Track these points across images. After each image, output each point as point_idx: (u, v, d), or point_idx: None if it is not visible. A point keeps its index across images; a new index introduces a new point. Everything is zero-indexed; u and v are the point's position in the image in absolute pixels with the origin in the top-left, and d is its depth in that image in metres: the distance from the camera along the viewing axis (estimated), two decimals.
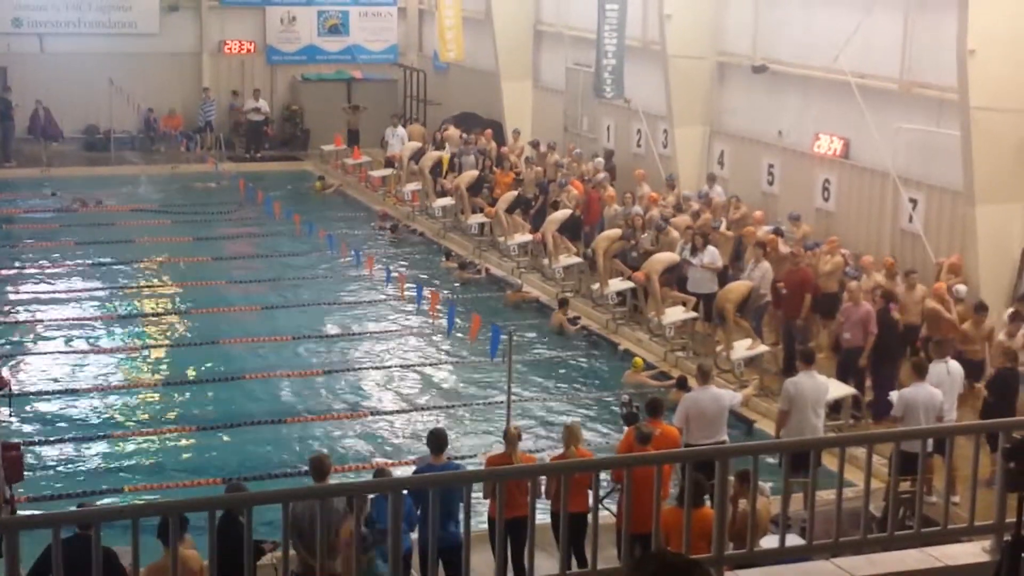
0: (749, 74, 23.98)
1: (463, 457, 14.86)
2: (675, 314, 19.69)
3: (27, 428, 16.35)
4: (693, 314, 19.66)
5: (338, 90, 37.38)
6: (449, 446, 12.24)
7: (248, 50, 37.52)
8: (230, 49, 37.38)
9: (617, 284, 21.22)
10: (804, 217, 21.32)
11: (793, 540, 9.12)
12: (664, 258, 19.97)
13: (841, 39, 20.91)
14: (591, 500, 9.78)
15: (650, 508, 8.63)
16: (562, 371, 19.29)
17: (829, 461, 10.60)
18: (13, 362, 18.93)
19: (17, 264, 24.97)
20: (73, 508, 12.12)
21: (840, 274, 18.48)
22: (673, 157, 25.77)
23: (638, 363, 18.68)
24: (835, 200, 21.89)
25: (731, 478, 9.74)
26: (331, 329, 21.23)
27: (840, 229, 21.04)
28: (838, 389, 15.62)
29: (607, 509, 10.89)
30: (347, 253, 23.82)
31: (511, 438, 12.06)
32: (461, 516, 8.65)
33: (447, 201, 27.92)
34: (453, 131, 31.85)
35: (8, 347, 19.86)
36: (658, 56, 25.68)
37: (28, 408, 17.09)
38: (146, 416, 17.14)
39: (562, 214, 23.54)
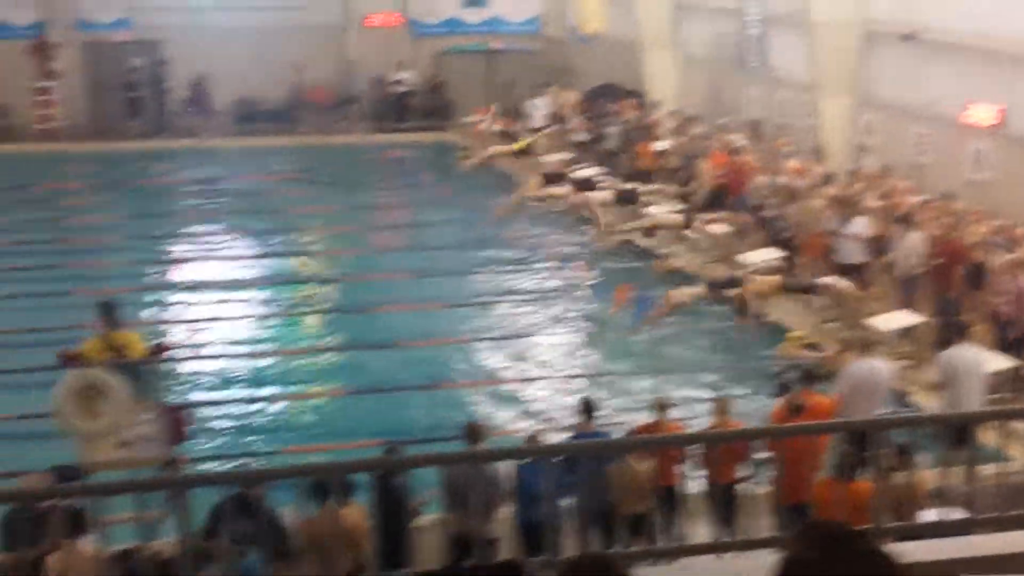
0: (897, 42, 23.54)
1: (610, 425, 14.95)
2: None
3: (189, 391, 16.89)
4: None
5: (480, 62, 37.67)
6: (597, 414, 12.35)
7: (392, 23, 37.96)
8: (374, 22, 37.85)
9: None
10: (954, 189, 20.89)
11: (952, 515, 9.05)
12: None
13: (994, 4, 20.40)
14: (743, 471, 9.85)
15: (804, 479, 8.66)
16: (710, 342, 19.21)
17: (988, 437, 10.45)
18: (175, 327, 19.57)
19: (176, 232, 25.75)
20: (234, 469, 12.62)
21: (987, 245, 18.10)
22: (819, 128, 25.45)
23: (794, 335, 18.48)
24: (988, 170, 21.42)
25: (887, 450, 9.69)
26: (481, 297, 21.46)
27: (992, 200, 20.58)
28: (996, 362, 15.34)
29: (756, 481, 10.88)
30: (493, 222, 24.06)
31: (661, 407, 12.13)
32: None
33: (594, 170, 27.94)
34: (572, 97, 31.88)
35: (171, 312, 20.56)
36: (803, 24, 25.34)
37: (190, 372, 17.68)
38: (303, 380, 17.57)
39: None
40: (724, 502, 9.91)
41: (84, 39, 35.72)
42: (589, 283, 19.42)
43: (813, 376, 12.92)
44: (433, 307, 20.63)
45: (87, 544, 9.64)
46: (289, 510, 10.66)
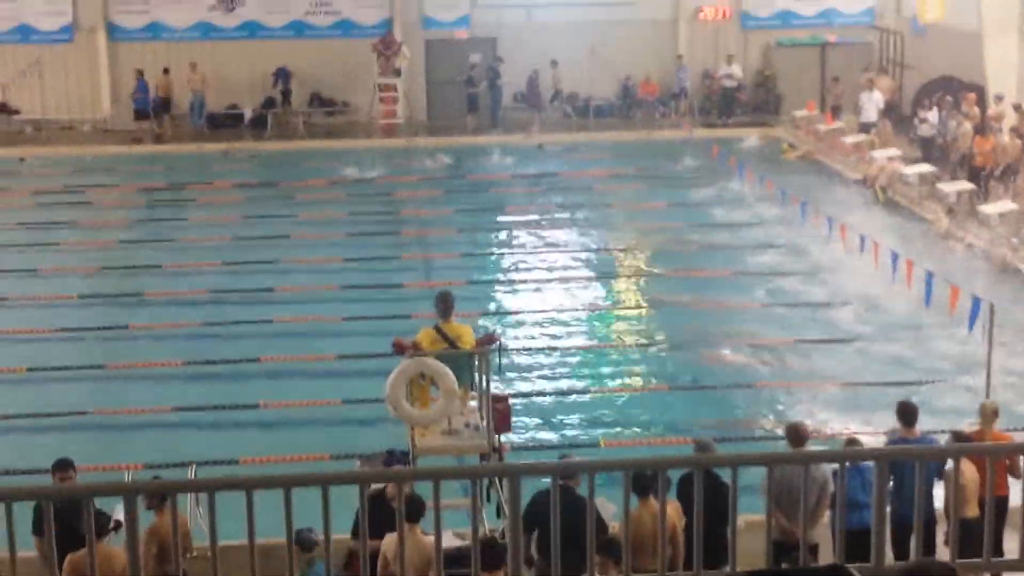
0: None
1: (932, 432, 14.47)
2: None
3: (514, 381, 17.36)
4: None
5: (812, 55, 36.97)
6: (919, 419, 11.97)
7: (723, 15, 37.72)
8: (705, 16, 37.69)
9: None
10: None
11: None
12: None
13: None
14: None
15: None
16: None
17: None
18: (503, 318, 20.16)
19: (505, 226, 26.46)
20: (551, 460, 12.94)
21: None
22: None
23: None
24: None
25: None
26: (810, 296, 21.08)
27: None
28: None
29: None
30: (820, 220, 23.59)
31: (987, 413, 11.65)
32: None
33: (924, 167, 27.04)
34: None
35: (499, 304, 21.21)
36: None
37: (515, 362, 18.15)
38: (625, 373, 17.75)
39: None
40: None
41: (427, 37, 37.19)
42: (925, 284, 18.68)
43: None
44: (751, 306, 20.43)
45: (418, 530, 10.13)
46: (607, 504, 10.85)
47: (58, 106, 36.36)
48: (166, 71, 35.84)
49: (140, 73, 35.38)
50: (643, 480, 10.26)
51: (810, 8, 37.92)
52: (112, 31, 36.64)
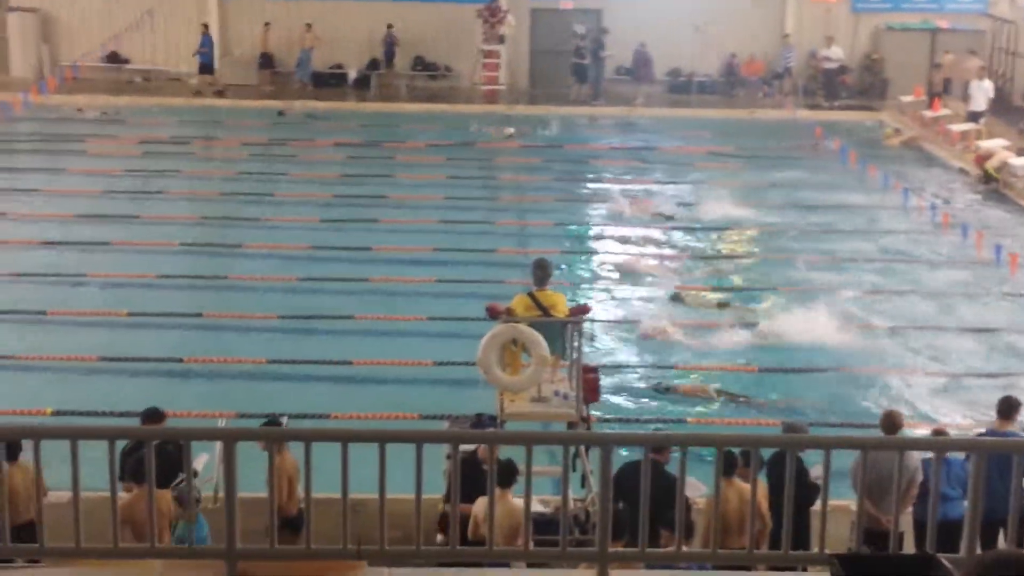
0: None
1: None
2: None
3: (601, 353, 17.39)
4: None
5: (922, 40, 36.39)
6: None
7: None
8: None
9: None
10: None
11: None
12: None
13: None
14: None
15: None
16: None
17: None
18: (594, 290, 20.18)
19: (595, 196, 26.41)
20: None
21: None
22: None
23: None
24: None
25: None
26: (902, 284, 20.84)
27: None
28: None
29: None
30: (923, 207, 23.26)
31: None
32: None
33: None
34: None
35: (590, 273, 21.24)
36: None
37: (604, 334, 18.22)
38: (725, 355, 17.58)
39: None
40: None
41: (532, 5, 37.15)
42: None
43: None
44: (847, 294, 20.20)
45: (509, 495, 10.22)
46: (697, 483, 10.87)
47: (167, 57, 36.93)
48: (267, 25, 36.24)
49: (205, 27, 35.72)
50: (730, 459, 10.28)
51: None
52: None
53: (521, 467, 8.06)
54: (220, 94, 35.26)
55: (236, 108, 34.14)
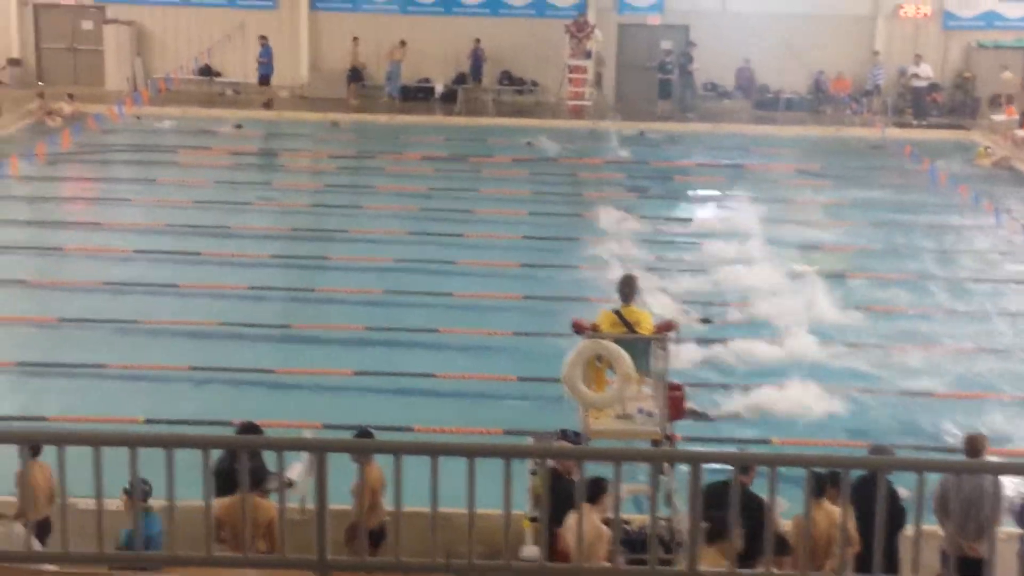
0: None
1: None
2: None
3: (687, 370, 17.27)
4: None
5: (1015, 58, 35.92)
6: None
7: (924, 14, 36.83)
8: (905, 13, 36.86)
9: None
10: None
11: None
12: None
13: None
14: None
15: None
16: None
17: None
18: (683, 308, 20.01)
19: (680, 213, 26.30)
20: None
21: None
22: None
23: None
24: None
25: None
26: (984, 306, 20.52)
27: None
28: None
29: None
30: (1015, 229, 22.90)
31: None
32: None
33: None
34: None
35: (672, 292, 21.10)
36: None
37: (694, 353, 17.87)
38: (821, 375, 17.38)
39: None
40: None
41: (619, 20, 37.22)
42: None
43: None
44: (933, 312, 19.94)
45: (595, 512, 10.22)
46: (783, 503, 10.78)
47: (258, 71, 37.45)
48: (356, 40, 36.62)
49: (264, 39, 36.13)
50: (820, 480, 10.19)
51: (1017, 10, 36.76)
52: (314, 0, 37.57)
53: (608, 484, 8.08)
54: (267, 106, 35.65)
55: (293, 120, 34.52)
